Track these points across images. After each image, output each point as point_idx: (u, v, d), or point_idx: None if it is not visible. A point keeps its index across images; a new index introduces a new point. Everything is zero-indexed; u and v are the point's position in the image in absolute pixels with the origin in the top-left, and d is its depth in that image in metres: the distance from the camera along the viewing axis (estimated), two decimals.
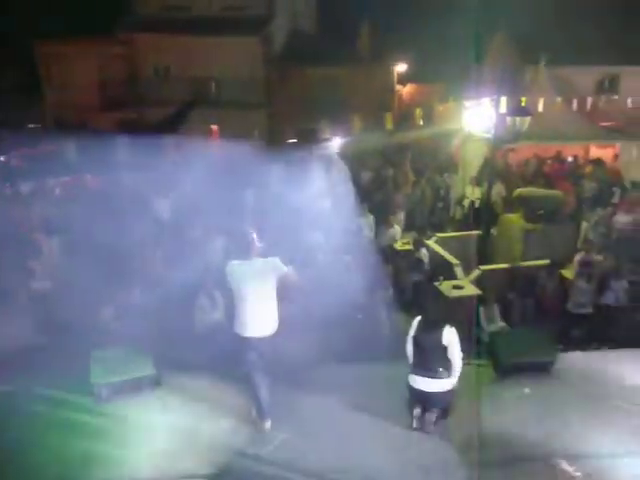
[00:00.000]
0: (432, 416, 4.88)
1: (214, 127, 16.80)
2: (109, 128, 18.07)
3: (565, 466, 2.79)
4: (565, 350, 6.64)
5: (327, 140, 12.92)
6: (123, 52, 20.46)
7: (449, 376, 4.86)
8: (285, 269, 4.88)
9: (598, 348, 7.37)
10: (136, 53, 20.45)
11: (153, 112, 18.11)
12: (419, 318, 5.02)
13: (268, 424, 4.89)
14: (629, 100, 15.82)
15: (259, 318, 4.78)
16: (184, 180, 10.00)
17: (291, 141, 15.51)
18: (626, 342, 7.09)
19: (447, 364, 4.85)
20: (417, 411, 4.92)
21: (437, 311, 5.02)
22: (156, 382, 5.54)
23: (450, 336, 4.82)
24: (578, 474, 2.76)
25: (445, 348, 4.80)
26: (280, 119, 17.74)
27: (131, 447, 4.72)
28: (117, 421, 5.06)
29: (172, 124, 16.00)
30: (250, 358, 4.83)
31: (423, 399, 4.92)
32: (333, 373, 6.04)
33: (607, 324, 8.07)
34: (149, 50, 20.08)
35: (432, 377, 4.84)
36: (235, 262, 4.83)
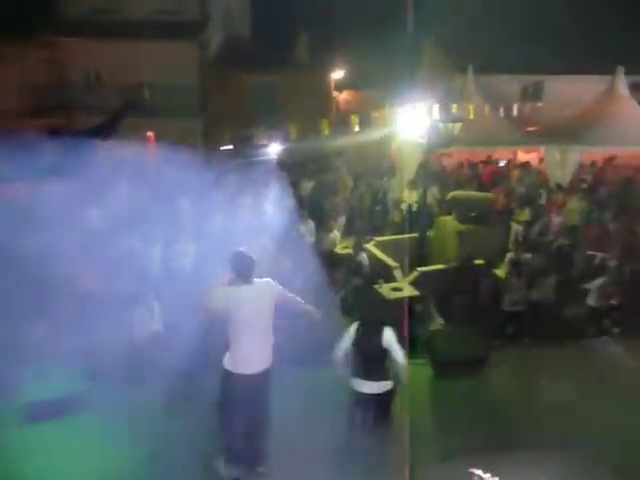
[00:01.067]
0: (374, 417, 4.93)
1: (149, 134, 16.39)
2: (36, 135, 17.26)
3: (480, 474, 2.89)
4: (500, 345, 6.93)
5: (264, 146, 12.88)
6: (49, 56, 19.60)
7: (391, 377, 4.93)
8: (281, 289, 4.37)
9: (529, 343, 7.71)
10: (64, 57, 19.65)
11: (84, 119, 17.46)
12: (357, 322, 5.05)
13: None
14: (551, 107, 16.67)
15: (259, 351, 4.16)
16: (117, 188, 9.70)
17: (228, 148, 15.35)
18: (555, 336, 7.49)
19: (388, 366, 4.92)
20: (359, 412, 4.97)
21: (376, 314, 5.06)
22: (89, 399, 5.32)
23: (390, 337, 4.88)
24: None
25: (385, 350, 4.86)
26: (216, 126, 17.55)
27: (60, 469, 4.50)
28: (46, 441, 4.82)
29: (104, 131, 15.49)
30: (243, 399, 4.13)
31: (365, 401, 4.97)
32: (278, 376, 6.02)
33: (537, 320, 8.46)
34: (78, 54, 19.32)
35: (374, 380, 4.89)
36: (230, 287, 4.18)
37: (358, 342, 4.91)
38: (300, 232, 11.37)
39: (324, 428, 5.05)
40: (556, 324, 8.40)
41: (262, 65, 18.40)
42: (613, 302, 8.46)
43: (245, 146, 15.23)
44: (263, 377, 4.22)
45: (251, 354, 4.16)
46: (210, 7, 19.64)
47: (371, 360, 4.88)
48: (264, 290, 4.27)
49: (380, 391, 4.89)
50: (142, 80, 18.69)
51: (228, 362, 4.21)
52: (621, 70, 15.10)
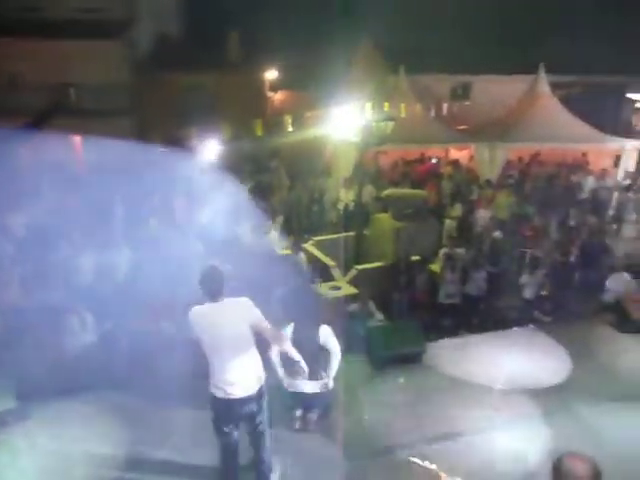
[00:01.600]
0: (313, 416, 4.96)
1: (76, 136, 15.75)
2: None
3: (420, 462, 2.98)
4: (438, 338, 7.13)
5: (197, 147, 12.62)
6: None
7: (328, 375, 4.97)
8: (257, 315, 3.91)
9: (463, 334, 7.97)
10: None
11: (7, 122, 16.56)
12: (294, 322, 5.05)
13: None
14: (480, 106, 17.34)
15: (241, 373, 3.88)
16: (42, 193, 9.27)
17: (160, 150, 14.98)
18: (487, 327, 7.80)
19: (325, 364, 4.95)
20: (298, 412, 4.98)
21: (313, 313, 5.08)
22: (22, 416, 5.06)
23: (327, 335, 4.92)
24: (433, 466, 2.96)
25: (322, 348, 4.89)
26: (147, 127, 17.06)
27: None
28: None
29: (29, 133, 14.77)
30: (230, 430, 3.95)
31: (304, 400, 4.99)
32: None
33: (471, 312, 8.78)
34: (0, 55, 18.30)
35: (312, 379, 4.91)
36: (198, 307, 3.88)
37: (295, 341, 4.91)
38: (237, 234, 11.28)
39: None
40: (489, 315, 8.76)
41: (194, 65, 18.05)
42: (543, 293, 8.90)
43: (178, 147, 14.91)
44: (246, 402, 3.92)
45: (226, 379, 3.87)
46: (138, 5, 19.08)
47: (308, 359, 4.89)
48: (236, 311, 3.88)
49: (317, 390, 4.93)
50: (69, 80, 17.92)
51: (212, 388, 3.97)
52: (542, 70, 15.85)
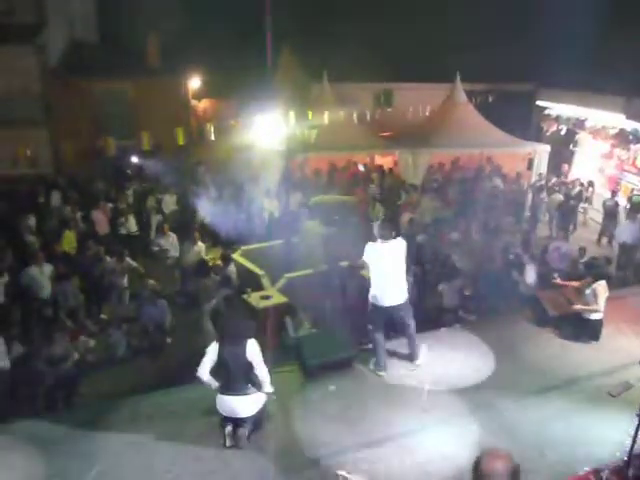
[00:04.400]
0: (245, 431, 4.84)
1: None
2: None
3: (346, 474, 2.95)
4: (369, 343, 7.15)
5: (117, 157, 12.21)
6: None
7: (257, 390, 4.86)
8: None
9: (394, 338, 8.05)
10: None
11: None
12: (219, 336, 4.90)
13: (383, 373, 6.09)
14: (402, 113, 17.80)
15: (396, 289, 5.96)
16: None
17: (78, 160, 14.32)
18: (417, 329, 7.91)
19: (254, 378, 4.84)
20: (229, 429, 4.84)
21: (238, 326, 4.95)
22: None
23: (253, 349, 4.79)
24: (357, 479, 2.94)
25: (250, 363, 4.77)
26: (64, 136, 16.22)
27: None
28: None
29: None
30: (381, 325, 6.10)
31: (234, 416, 4.85)
32: (139, 403, 5.71)
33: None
34: None
35: (241, 394, 4.78)
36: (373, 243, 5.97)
37: (221, 356, 4.77)
38: (162, 246, 10.95)
39: (197, 451, 4.87)
40: (419, 317, 8.91)
41: (110, 71, 17.33)
42: (466, 293, 9.19)
43: (96, 157, 14.32)
44: (396, 309, 6.05)
45: (385, 293, 5.96)
46: (48, 9, 18.10)
47: (236, 374, 4.77)
48: (396, 248, 6.03)
49: (247, 405, 4.81)
50: None
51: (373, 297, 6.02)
52: (458, 78, 16.53)
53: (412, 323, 6.26)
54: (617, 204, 13.68)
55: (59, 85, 17.24)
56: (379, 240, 6.00)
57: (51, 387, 6.70)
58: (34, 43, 17.25)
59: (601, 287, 6.98)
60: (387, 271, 5.91)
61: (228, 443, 4.82)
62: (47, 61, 17.77)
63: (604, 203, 13.81)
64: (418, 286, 8.99)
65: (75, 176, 15.26)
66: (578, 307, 7.11)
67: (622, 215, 13.33)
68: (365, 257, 6.03)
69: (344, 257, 9.73)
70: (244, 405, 4.78)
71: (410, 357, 6.39)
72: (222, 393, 4.81)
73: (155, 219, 12.50)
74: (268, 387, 4.90)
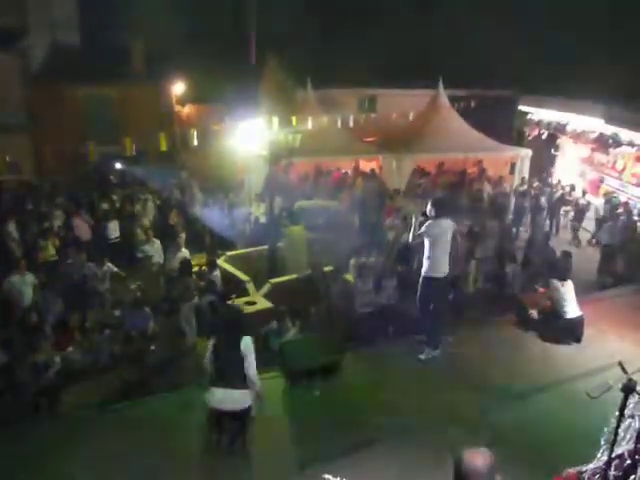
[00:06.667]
0: (232, 433, 4.82)
1: None
2: None
3: (331, 478, 2.96)
4: (354, 348, 7.18)
5: (100, 163, 12.14)
6: None
7: (248, 386, 4.85)
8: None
9: (380, 342, 8.06)
10: None
11: None
12: (214, 339, 4.90)
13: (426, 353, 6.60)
14: (385, 119, 17.89)
15: (442, 263, 6.48)
16: None
17: (60, 167, 14.20)
18: (402, 333, 7.94)
19: (245, 380, 4.83)
20: (216, 432, 4.83)
21: (238, 320, 4.96)
22: None
23: (248, 344, 4.79)
24: None
25: (242, 358, 4.75)
26: (47, 142, 16.07)
27: None
28: None
29: None
30: (430, 295, 6.55)
31: (222, 408, 4.86)
32: (123, 410, 5.67)
33: (385, 320, 8.92)
34: None
35: (230, 387, 4.78)
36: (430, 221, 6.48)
37: (214, 356, 4.80)
38: (147, 252, 10.87)
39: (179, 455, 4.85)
40: (404, 322, 8.93)
41: (93, 76, 17.21)
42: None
43: (79, 163, 14.20)
44: (442, 280, 6.57)
45: (435, 265, 6.50)
46: (30, 14, 17.96)
47: (228, 373, 4.76)
48: (449, 227, 6.60)
49: (235, 406, 4.80)
50: None
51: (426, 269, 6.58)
52: (441, 84, 16.69)
53: (447, 304, 6.93)
54: (588, 203, 14.40)
55: (41, 90, 17.10)
56: (432, 217, 6.54)
57: (34, 395, 6.62)
58: (16, 48, 17.09)
59: (556, 281, 7.26)
60: (440, 245, 6.45)
61: (216, 446, 4.80)
62: (29, 66, 17.62)
63: (576, 202, 14.18)
64: (403, 286, 9.03)
65: (58, 182, 15.12)
66: (548, 303, 7.37)
67: (592, 214, 13.93)
68: (424, 230, 6.50)
69: (329, 262, 9.78)
70: (233, 398, 4.77)
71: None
72: (213, 385, 4.82)
73: (138, 225, 12.41)
74: (257, 385, 4.88)
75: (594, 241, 13.33)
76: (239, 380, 4.76)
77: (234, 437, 4.86)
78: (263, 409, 5.04)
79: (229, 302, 8.43)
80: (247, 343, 4.79)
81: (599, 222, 13.20)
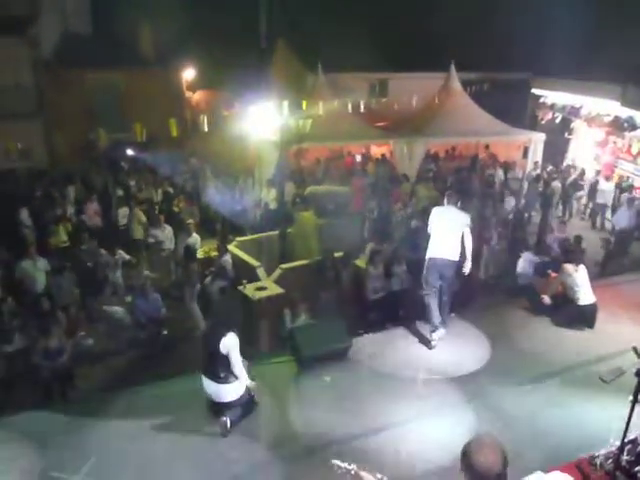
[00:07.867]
0: (226, 420, 4.87)
1: None
2: None
3: (340, 464, 2.96)
4: (364, 333, 7.17)
5: (110, 149, 12.15)
6: None
7: (234, 381, 4.88)
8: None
9: (390, 327, 8.05)
10: None
11: None
12: (205, 329, 4.97)
13: (438, 334, 6.56)
14: (397, 103, 17.71)
15: (449, 247, 6.47)
16: None
17: (71, 154, 14.25)
18: (413, 318, 7.91)
19: (229, 375, 4.87)
20: (219, 418, 4.89)
21: (219, 319, 4.99)
22: None
23: (229, 343, 4.81)
24: (352, 467, 2.94)
25: (225, 355, 4.80)
26: (58, 128, 16.12)
27: None
28: None
29: None
30: (435, 279, 6.52)
31: (215, 400, 4.92)
32: (135, 395, 5.72)
33: (395, 306, 8.89)
34: None
35: (217, 381, 4.86)
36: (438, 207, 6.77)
37: (204, 341, 4.91)
38: (158, 238, 10.91)
39: (190, 442, 4.89)
40: (414, 306, 8.89)
41: (104, 62, 17.21)
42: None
43: (90, 149, 14.24)
44: (447, 264, 6.49)
45: (441, 249, 6.50)
46: (41, 1, 17.93)
47: (214, 362, 4.84)
48: (457, 215, 6.62)
49: (226, 394, 4.85)
50: None
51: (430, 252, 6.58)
52: (453, 67, 16.45)
53: (452, 291, 6.73)
54: (597, 182, 14.33)
55: (52, 77, 17.13)
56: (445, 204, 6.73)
57: (47, 380, 6.71)
58: (27, 35, 17.10)
59: (569, 266, 7.07)
60: (444, 230, 6.49)
61: (220, 432, 4.85)
62: (40, 53, 17.64)
63: (590, 186, 14.29)
64: (413, 274, 8.98)
65: (69, 169, 15.19)
66: (560, 288, 7.23)
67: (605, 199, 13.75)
68: (430, 218, 6.70)
69: (339, 247, 9.75)
70: (222, 392, 4.87)
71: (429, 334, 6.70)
72: (203, 374, 4.92)
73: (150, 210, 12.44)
74: (245, 381, 4.92)
75: (609, 225, 13.16)
76: (222, 375, 4.83)
77: (233, 423, 4.91)
78: (256, 404, 5.11)
79: (239, 287, 8.43)
80: (226, 343, 4.79)
81: (613, 207, 13.04)
